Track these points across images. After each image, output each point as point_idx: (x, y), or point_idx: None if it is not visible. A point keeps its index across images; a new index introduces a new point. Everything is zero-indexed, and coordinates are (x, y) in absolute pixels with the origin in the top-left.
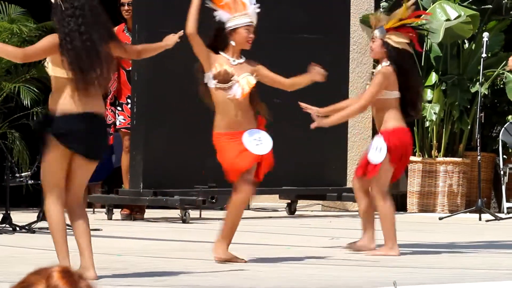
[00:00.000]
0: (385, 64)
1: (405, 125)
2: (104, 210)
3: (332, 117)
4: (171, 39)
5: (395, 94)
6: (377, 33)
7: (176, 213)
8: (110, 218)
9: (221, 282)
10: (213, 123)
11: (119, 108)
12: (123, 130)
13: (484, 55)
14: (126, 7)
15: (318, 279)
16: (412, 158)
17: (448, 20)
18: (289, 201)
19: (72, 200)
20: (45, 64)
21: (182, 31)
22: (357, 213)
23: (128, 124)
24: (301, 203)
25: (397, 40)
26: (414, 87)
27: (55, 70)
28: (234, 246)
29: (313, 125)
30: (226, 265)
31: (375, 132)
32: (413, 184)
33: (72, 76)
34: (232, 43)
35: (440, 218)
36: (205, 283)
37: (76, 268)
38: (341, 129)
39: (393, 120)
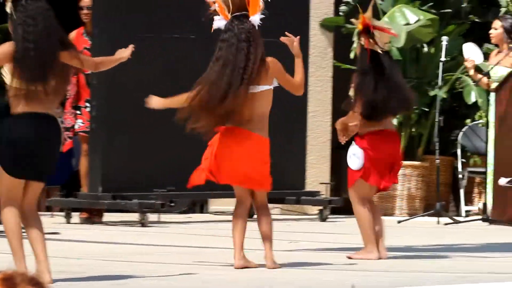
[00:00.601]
0: None
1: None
2: (63, 213)
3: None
4: (124, 53)
5: None
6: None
7: (135, 216)
8: (68, 222)
9: (180, 286)
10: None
11: (78, 111)
12: (81, 133)
13: (443, 59)
14: (85, 11)
15: (276, 282)
16: None
17: (407, 24)
18: None
19: (26, 205)
20: (3, 72)
21: (133, 45)
22: (315, 216)
23: (87, 127)
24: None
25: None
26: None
27: (9, 78)
28: (191, 249)
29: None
30: (185, 269)
31: (334, 136)
32: None
33: (21, 86)
34: None
35: (399, 222)
36: (164, 286)
37: (32, 271)
38: (300, 132)
39: (364, 126)
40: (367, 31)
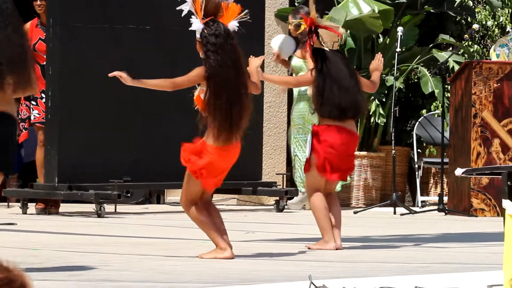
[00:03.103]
0: None
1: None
2: (19, 204)
3: (270, 76)
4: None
5: None
6: None
7: (91, 207)
8: (25, 212)
9: (137, 276)
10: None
11: (33, 102)
12: (37, 124)
13: (398, 49)
14: (38, 2)
15: (233, 273)
16: None
17: (360, 14)
18: None
19: None
20: None
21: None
22: (272, 207)
23: (43, 118)
24: (216, 197)
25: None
26: None
27: None
28: (148, 240)
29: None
30: (141, 260)
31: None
32: None
33: None
34: None
35: (355, 212)
36: (121, 277)
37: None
38: (256, 123)
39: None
40: (313, 30)
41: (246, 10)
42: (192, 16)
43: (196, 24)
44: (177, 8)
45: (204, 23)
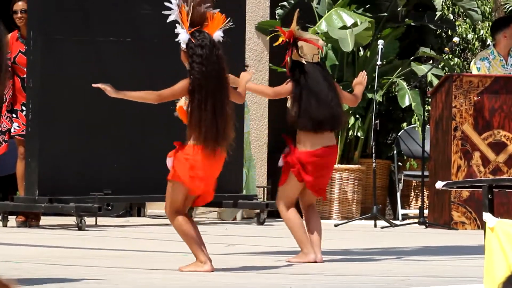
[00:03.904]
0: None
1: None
2: None
3: (251, 84)
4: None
5: None
6: None
7: (72, 220)
8: (5, 225)
9: None
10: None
11: (13, 115)
12: (17, 137)
13: (379, 62)
14: (19, 14)
15: (213, 286)
16: None
17: (344, 27)
18: None
19: None
20: None
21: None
22: (253, 220)
23: (23, 131)
24: (197, 210)
25: None
26: None
27: None
28: (128, 253)
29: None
30: (122, 273)
31: (271, 139)
32: None
33: None
34: None
35: (336, 225)
36: None
37: None
38: (237, 135)
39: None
40: (293, 43)
41: (230, 18)
42: (178, 26)
43: (183, 35)
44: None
45: (190, 34)
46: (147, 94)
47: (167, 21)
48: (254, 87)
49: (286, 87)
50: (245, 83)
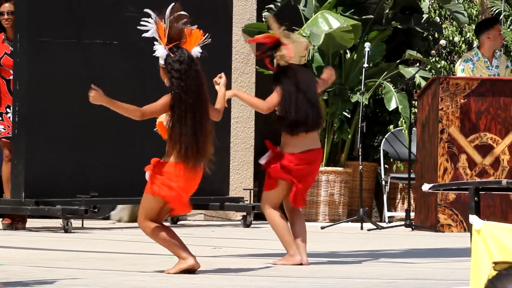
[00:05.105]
0: None
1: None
2: None
3: (244, 93)
4: None
5: None
6: None
7: (58, 222)
8: None
9: None
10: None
11: None
12: (3, 139)
13: (365, 65)
14: (5, 16)
15: None
16: None
17: (330, 29)
18: None
19: None
20: None
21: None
22: (239, 222)
23: (8, 133)
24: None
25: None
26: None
27: None
28: (115, 255)
29: (229, 92)
30: (109, 275)
31: (257, 141)
32: None
33: None
34: None
35: (322, 228)
36: None
37: None
38: (224, 138)
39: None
40: (275, 46)
41: (208, 34)
42: (156, 42)
43: (160, 50)
44: (142, 32)
45: (168, 49)
46: (132, 110)
47: (143, 35)
48: (249, 98)
49: (276, 97)
50: (223, 98)
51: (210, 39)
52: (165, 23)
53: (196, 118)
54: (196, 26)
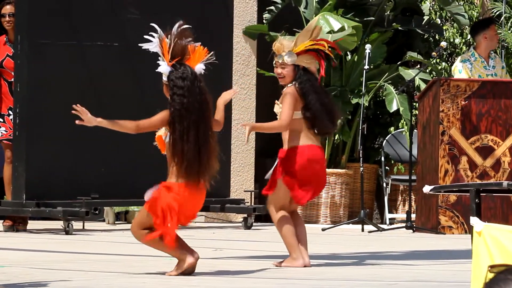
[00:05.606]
0: (290, 85)
1: (308, 143)
2: None
3: (259, 124)
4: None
5: (297, 114)
6: (287, 58)
7: (59, 224)
8: None
9: None
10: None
11: (0, 119)
12: (4, 141)
13: (366, 67)
14: (7, 18)
15: None
16: None
17: (331, 31)
18: None
19: None
20: None
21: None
22: (240, 224)
23: (10, 135)
24: None
25: (308, 61)
26: (328, 104)
27: None
28: (116, 257)
29: (243, 124)
30: (109, 277)
31: (258, 144)
32: None
33: None
34: None
35: (323, 229)
36: None
37: None
38: (224, 140)
39: (291, 140)
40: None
41: (212, 52)
42: (159, 58)
43: (163, 67)
44: (144, 47)
45: (171, 66)
46: (127, 124)
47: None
48: (267, 126)
49: (287, 108)
50: (223, 109)
51: (213, 58)
52: (169, 40)
53: (200, 134)
54: (200, 43)
